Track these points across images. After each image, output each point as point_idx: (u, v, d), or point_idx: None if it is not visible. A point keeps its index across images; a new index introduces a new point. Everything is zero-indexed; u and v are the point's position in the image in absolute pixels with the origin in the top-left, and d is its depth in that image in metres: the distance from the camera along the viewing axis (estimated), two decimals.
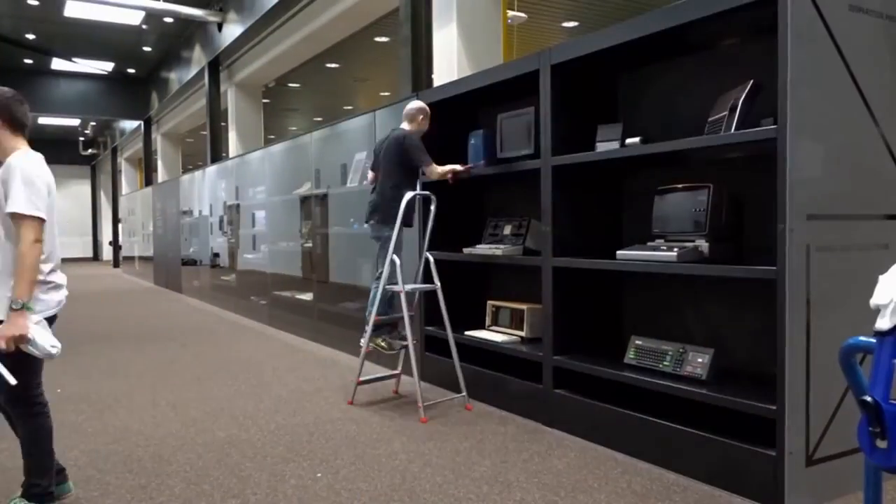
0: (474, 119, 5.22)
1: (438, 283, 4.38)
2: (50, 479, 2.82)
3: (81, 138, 27.51)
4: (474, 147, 4.79)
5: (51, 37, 15.53)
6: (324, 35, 11.35)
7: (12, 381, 2.54)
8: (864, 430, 1.70)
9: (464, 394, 4.44)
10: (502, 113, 4.59)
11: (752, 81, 3.11)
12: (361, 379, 4.63)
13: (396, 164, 4.51)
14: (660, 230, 3.54)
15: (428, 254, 4.46)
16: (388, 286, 4.41)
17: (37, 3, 13.19)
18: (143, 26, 14.71)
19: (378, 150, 4.73)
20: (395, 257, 4.33)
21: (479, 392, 4.53)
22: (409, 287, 4.37)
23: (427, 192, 4.50)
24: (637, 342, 3.66)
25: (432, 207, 4.50)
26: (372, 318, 4.47)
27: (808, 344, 2.79)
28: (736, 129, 3.04)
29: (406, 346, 4.48)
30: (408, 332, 4.33)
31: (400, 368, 4.85)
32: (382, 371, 5.09)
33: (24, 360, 2.61)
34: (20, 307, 2.52)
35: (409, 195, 4.36)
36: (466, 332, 4.74)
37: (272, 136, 20.07)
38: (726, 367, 3.40)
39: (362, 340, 4.59)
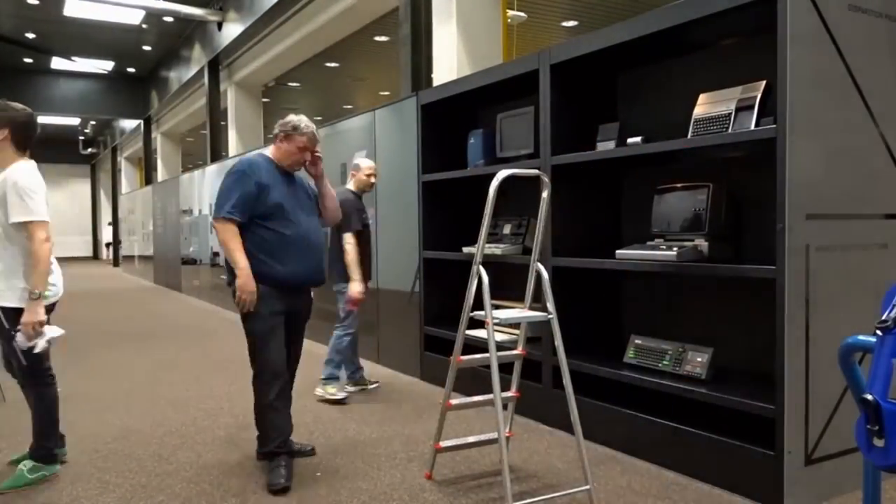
0: (474, 118, 5.22)
1: (553, 311, 3.01)
2: (55, 442, 3.30)
3: (81, 137, 27.53)
4: (474, 146, 4.80)
5: (51, 36, 15.53)
6: (323, 34, 11.35)
7: (24, 361, 3.10)
8: (861, 429, 1.70)
9: (588, 486, 2.83)
10: (502, 112, 4.59)
11: (765, 82, 3.09)
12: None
13: None
14: (659, 229, 3.54)
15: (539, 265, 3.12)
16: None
17: (37, 2, 13.19)
18: (143, 25, 14.72)
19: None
20: None
21: (479, 391, 4.52)
22: (504, 315, 3.10)
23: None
24: (637, 341, 3.67)
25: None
26: None
27: (808, 343, 2.79)
28: (734, 129, 3.05)
29: None
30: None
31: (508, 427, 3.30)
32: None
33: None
34: (38, 297, 2.97)
35: None
36: (466, 332, 4.72)
37: (272, 136, 20.07)
38: (725, 366, 3.40)
39: None
